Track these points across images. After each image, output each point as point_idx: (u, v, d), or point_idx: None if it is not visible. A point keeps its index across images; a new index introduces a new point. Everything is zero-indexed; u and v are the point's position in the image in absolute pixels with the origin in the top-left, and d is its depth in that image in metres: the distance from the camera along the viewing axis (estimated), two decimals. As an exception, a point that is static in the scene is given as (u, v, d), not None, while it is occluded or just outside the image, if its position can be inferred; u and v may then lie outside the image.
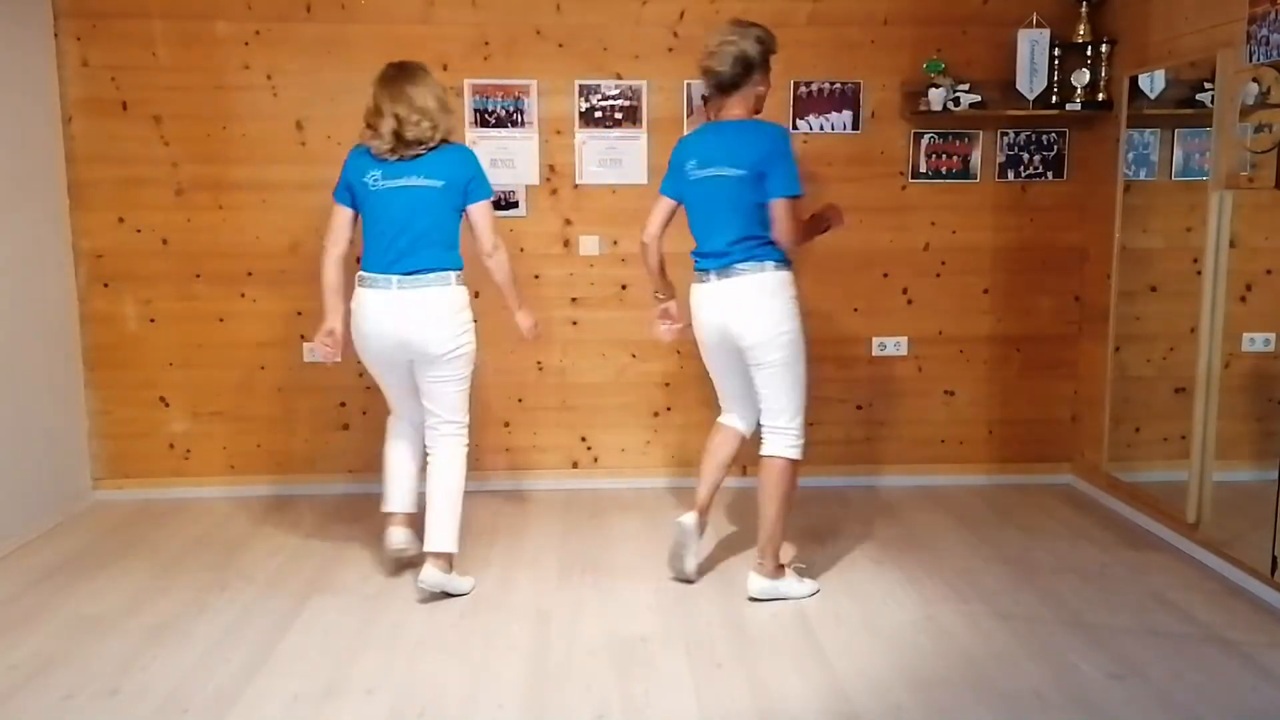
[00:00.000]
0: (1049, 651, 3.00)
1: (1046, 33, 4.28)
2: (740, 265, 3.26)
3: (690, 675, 2.87)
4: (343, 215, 3.37)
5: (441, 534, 3.37)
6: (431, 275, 3.27)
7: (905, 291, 4.57)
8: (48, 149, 4.17)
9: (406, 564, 3.62)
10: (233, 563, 3.71)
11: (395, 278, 3.26)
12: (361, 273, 3.33)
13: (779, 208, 3.23)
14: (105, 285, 4.37)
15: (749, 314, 3.26)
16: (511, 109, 4.35)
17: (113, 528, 4.11)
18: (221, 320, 4.42)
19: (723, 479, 3.57)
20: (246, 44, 4.26)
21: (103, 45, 4.23)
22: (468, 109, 4.33)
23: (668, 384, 4.57)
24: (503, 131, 4.35)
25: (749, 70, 3.27)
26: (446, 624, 3.21)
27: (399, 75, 3.31)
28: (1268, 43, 3.27)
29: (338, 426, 4.52)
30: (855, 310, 4.57)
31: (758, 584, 3.37)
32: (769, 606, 3.32)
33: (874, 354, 4.60)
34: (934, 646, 3.04)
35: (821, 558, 3.75)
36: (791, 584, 3.41)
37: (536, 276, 4.47)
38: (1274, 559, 3.27)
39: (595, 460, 4.64)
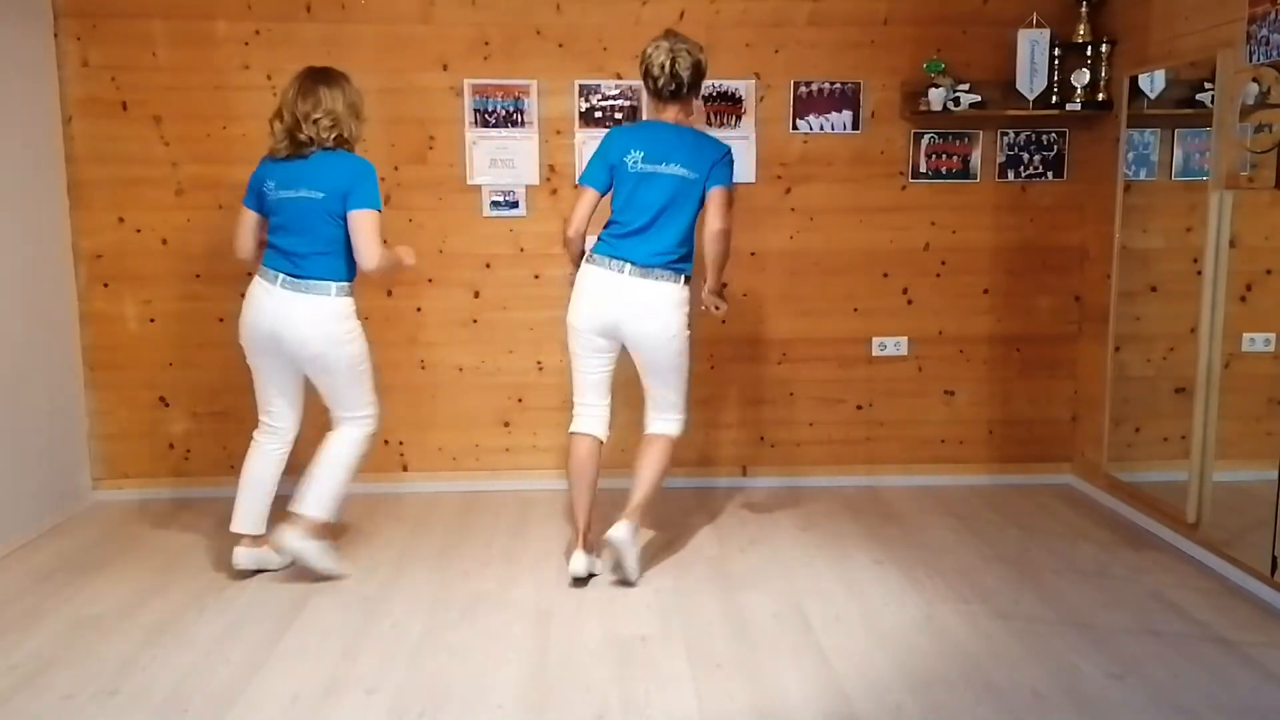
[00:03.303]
0: (1049, 651, 3.00)
1: (1046, 33, 4.28)
2: (661, 271, 3.37)
3: (690, 675, 2.87)
4: (245, 218, 3.47)
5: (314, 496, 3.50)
6: (312, 283, 3.35)
7: (905, 291, 4.57)
8: (48, 149, 4.17)
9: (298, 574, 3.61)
10: (233, 563, 3.71)
11: (281, 276, 3.36)
12: (262, 264, 3.43)
13: (721, 195, 3.38)
14: (105, 285, 4.37)
15: (654, 320, 3.39)
16: (511, 109, 4.35)
17: (113, 528, 4.11)
18: (221, 320, 4.41)
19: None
20: (246, 44, 4.26)
21: (103, 45, 4.22)
22: (468, 109, 4.33)
23: (668, 384, 4.56)
24: (503, 131, 4.35)
25: (699, 80, 3.44)
26: (446, 624, 3.21)
27: (314, 76, 3.36)
28: (1268, 43, 3.27)
29: (338, 426, 4.51)
30: (855, 310, 4.56)
31: (626, 532, 3.41)
32: (770, 606, 3.32)
33: (874, 354, 4.60)
34: (934, 646, 3.04)
35: (821, 558, 3.75)
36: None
37: (536, 276, 4.47)
38: (1274, 559, 3.27)
39: (595, 460, 4.63)
